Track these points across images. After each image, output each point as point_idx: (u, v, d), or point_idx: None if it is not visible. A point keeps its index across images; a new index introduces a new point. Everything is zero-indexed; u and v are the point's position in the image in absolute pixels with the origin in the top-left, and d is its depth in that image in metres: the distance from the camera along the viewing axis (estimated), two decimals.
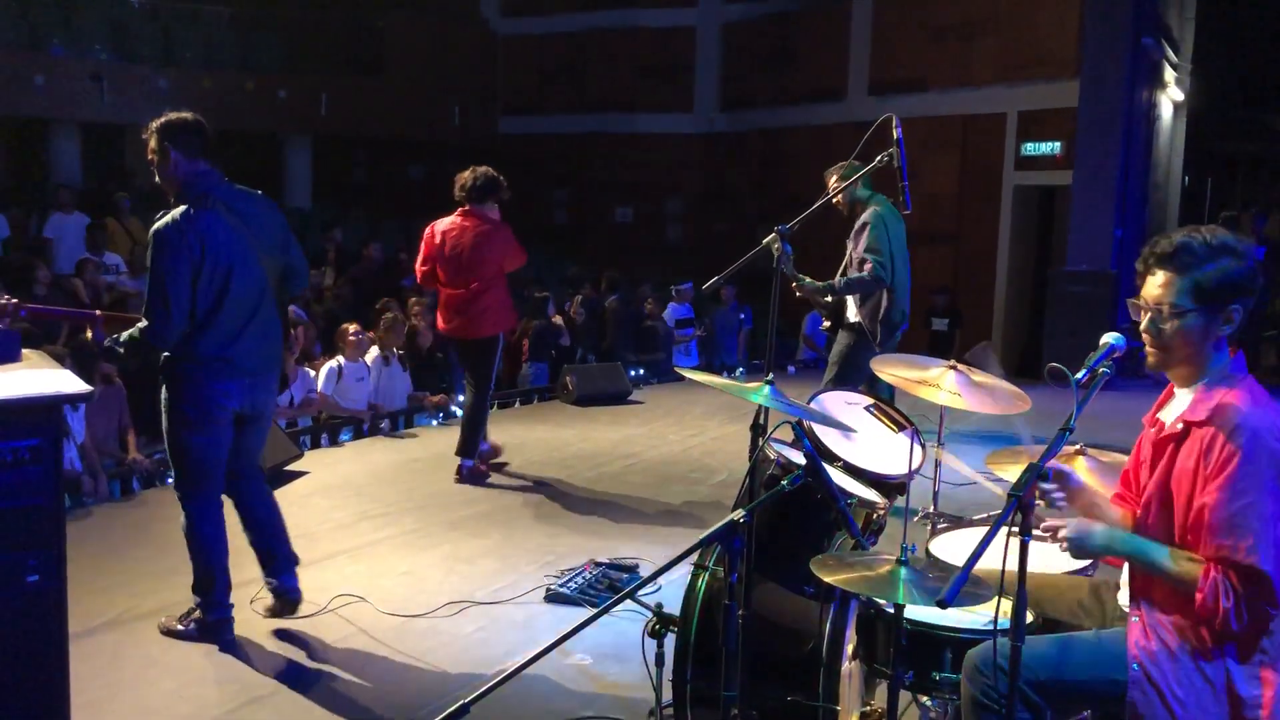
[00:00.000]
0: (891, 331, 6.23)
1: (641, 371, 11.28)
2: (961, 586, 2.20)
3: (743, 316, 12.90)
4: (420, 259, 6.68)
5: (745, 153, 16.95)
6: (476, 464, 6.83)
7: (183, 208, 3.94)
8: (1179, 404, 2.55)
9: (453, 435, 8.39)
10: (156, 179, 4.08)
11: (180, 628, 4.24)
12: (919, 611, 2.78)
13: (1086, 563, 3.20)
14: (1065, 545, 2.53)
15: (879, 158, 3.54)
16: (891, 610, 2.67)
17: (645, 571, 4.92)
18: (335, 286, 11.25)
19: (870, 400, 3.97)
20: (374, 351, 8.57)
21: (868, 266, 6.10)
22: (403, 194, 18.55)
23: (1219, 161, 19.29)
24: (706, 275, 4.43)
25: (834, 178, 6.15)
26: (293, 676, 3.97)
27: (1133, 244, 12.36)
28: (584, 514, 6.14)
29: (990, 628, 2.48)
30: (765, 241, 3.43)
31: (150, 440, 7.06)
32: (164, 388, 4.07)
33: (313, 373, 8.16)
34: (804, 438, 2.94)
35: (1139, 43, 12.01)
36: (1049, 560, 3.06)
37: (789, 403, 2.98)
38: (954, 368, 3.77)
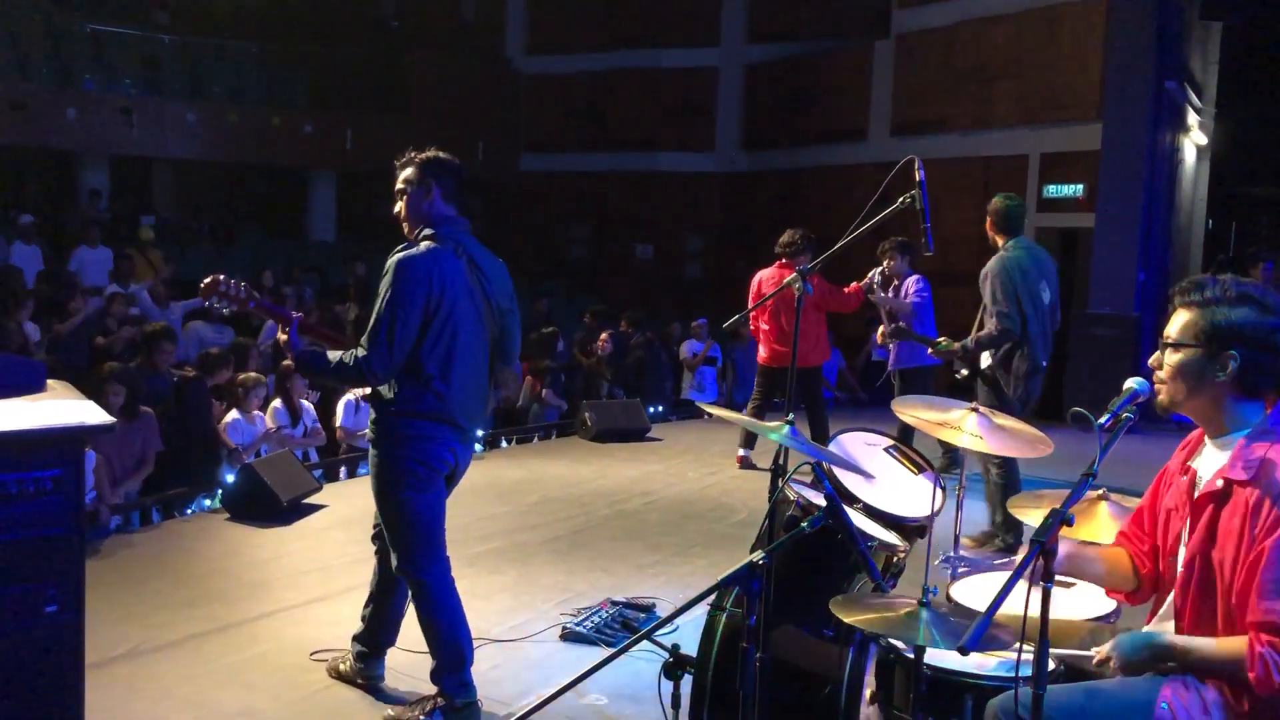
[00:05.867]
0: (1021, 381, 6.00)
1: (660, 408, 11.28)
2: (984, 632, 2.17)
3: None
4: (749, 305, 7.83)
5: (766, 192, 17.02)
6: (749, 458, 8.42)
7: (431, 244, 3.71)
8: (1214, 457, 2.50)
9: (469, 471, 8.37)
10: (398, 208, 3.87)
11: (420, 718, 3.81)
12: (939, 657, 2.74)
13: (1110, 609, 3.16)
14: (1115, 666, 2.49)
15: (900, 199, 3.54)
16: (911, 655, 2.64)
17: (662, 611, 4.88)
18: (356, 320, 11.31)
19: (890, 441, 3.95)
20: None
21: (991, 323, 5.98)
22: None
23: (1243, 205, 19.21)
24: (726, 313, 4.44)
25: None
26: (308, 711, 3.95)
27: (1155, 287, 12.31)
28: (601, 552, 6.11)
29: (1012, 675, 2.45)
30: (786, 281, 3.44)
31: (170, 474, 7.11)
32: (382, 446, 3.75)
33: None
34: (824, 479, 2.92)
35: (1162, 86, 12.02)
36: (1071, 606, 3.02)
37: (808, 444, 2.97)
38: (975, 410, 3.74)
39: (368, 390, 3.82)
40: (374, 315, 3.64)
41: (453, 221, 3.82)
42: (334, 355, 3.70)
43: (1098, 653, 2.56)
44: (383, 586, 4.07)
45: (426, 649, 4.48)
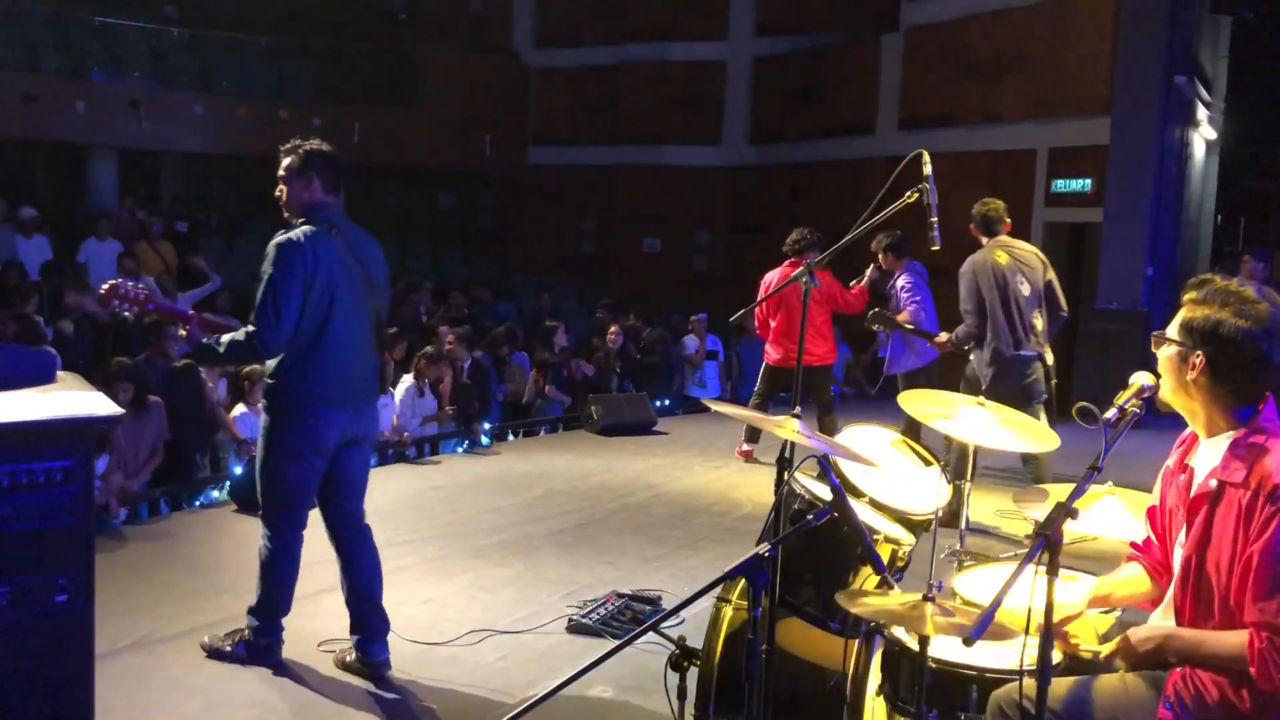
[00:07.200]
0: (987, 370, 6.39)
1: (666, 402, 11.29)
2: (988, 624, 2.18)
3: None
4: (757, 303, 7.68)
5: (774, 186, 17.00)
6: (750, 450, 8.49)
7: (306, 228, 3.96)
8: (1208, 455, 2.50)
9: (476, 464, 8.40)
10: (279, 192, 4.09)
11: (227, 647, 4.22)
12: (945, 649, 2.75)
13: None
14: (1124, 666, 2.51)
15: (908, 194, 3.54)
16: (917, 647, 2.64)
17: (668, 604, 4.90)
18: None
19: (896, 435, 3.95)
20: (406, 381, 8.72)
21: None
22: (433, 222, 18.72)
23: (1252, 200, 19.17)
24: (734, 307, 4.44)
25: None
26: (314, 702, 3.97)
27: (1163, 282, 12.27)
28: (607, 545, 6.13)
29: (1016, 667, 2.46)
30: (794, 275, 3.44)
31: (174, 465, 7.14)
32: (266, 416, 4.03)
33: None
34: (829, 472, 2.92)
35: (1171, 81, 11.98)
36: (1076, 598, 3.02)
37: (815, 436, 2.97)
38: (981, 404, 3.74)
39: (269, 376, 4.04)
40: (259, 295, 3.88)
41: (330, 208, 4.07)
42: (226, 337, 3.94)
43: (1106, 648, 2.57)
44: (344, 567, 4.22)
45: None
